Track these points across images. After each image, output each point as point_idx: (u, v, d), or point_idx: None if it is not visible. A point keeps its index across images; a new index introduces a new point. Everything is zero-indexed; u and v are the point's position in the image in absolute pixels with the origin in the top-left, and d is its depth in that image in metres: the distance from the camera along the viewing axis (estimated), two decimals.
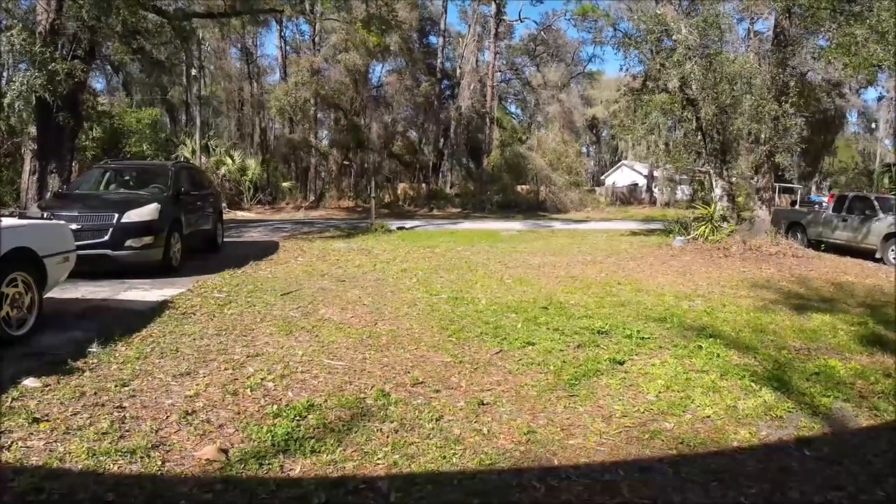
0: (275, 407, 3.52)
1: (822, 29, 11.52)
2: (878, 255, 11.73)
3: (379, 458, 2.97)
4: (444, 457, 3.01)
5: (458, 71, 33.78)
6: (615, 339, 5.20)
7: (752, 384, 4.15)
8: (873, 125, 41.30)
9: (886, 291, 8.30)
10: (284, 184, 29.20)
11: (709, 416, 3.64)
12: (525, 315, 6.03)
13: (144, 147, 22.62)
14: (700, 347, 4.96)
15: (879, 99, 36.90)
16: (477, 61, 32.53)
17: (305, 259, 10.07)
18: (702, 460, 3.10)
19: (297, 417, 3.37)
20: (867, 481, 2.93)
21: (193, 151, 23.36)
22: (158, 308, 5.96)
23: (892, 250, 11.50)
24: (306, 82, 26.59)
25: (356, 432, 3.25)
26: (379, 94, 32.10)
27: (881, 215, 12.16)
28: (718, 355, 4.78)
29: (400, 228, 16.78)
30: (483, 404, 3.72)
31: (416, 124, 34.11)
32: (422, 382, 4.07)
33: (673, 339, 5.25)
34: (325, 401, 3.66)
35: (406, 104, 31.65)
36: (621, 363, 4.56)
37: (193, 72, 24.63)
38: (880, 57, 10.27)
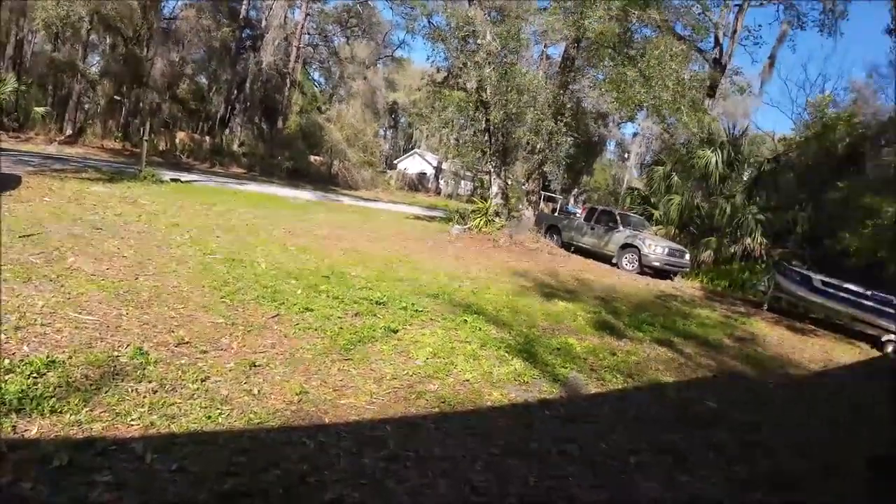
0: (7, 362, 2.98)
1: (602, 64, 13.36)
2: (614, 261, 14.18)
3: (133, 419, 2.72)
4: (209, 417, 2.87)
5: (264, 23, 31.41)
6: (391, 310, 5.47)
7: (506, 354, 4.77)
8: (626, 155, 49.59)
9: (617, 289, 10.12)
10: (38, 109, 24.03)
11: (468, 380, 4.07)
12: (306, 282, 5.98)
13: None
14: (465, 321, 5.52)
15: (634, 135, 44.77)
16: (286, 18, 30.69)
17: (54, 200, 8.50)
18: (461, 417, 3.47)
19: (35, 374, 2.92)
20: (594, 436, 3.60)
21: None
22: None
23: (626, 258, 13.98)
24: None
25: (106, 392, 2.91)
26: (170, 28, 28.26)
27: (621, 228, 14.68)
28: (480, 329, 5.38)
29: (174, 180, 15.12)
30: (255, 366, 3.62)
31: (209, 70, 30.99)
32: (187, 342, 3.79)
33: (443, 313, 5.72)
34: (70, 357, 3.21)
35: (200, 45, 28.52)
36: (395, 332, 4.83)
37: None
38: (643, 97, 12.26)
